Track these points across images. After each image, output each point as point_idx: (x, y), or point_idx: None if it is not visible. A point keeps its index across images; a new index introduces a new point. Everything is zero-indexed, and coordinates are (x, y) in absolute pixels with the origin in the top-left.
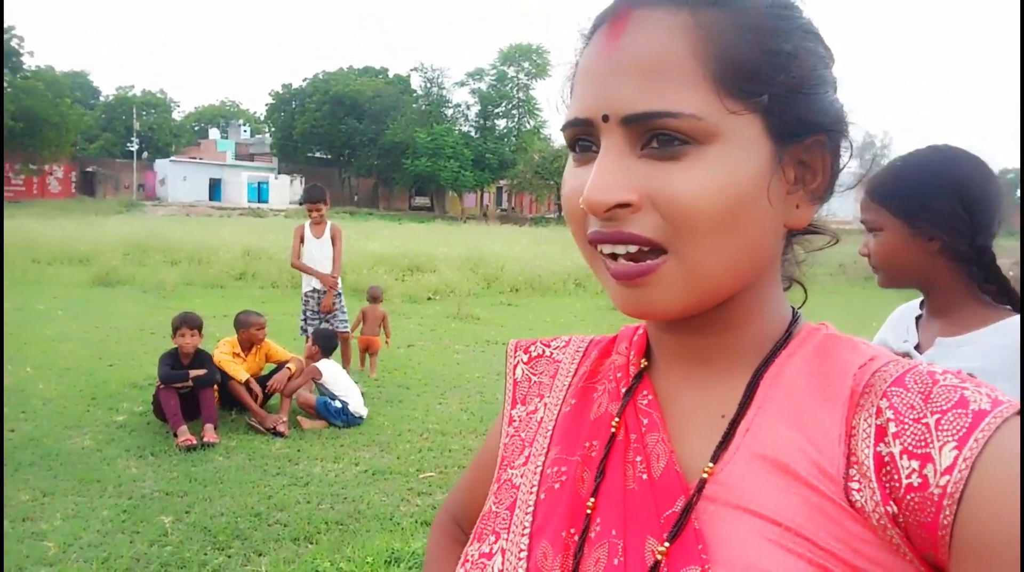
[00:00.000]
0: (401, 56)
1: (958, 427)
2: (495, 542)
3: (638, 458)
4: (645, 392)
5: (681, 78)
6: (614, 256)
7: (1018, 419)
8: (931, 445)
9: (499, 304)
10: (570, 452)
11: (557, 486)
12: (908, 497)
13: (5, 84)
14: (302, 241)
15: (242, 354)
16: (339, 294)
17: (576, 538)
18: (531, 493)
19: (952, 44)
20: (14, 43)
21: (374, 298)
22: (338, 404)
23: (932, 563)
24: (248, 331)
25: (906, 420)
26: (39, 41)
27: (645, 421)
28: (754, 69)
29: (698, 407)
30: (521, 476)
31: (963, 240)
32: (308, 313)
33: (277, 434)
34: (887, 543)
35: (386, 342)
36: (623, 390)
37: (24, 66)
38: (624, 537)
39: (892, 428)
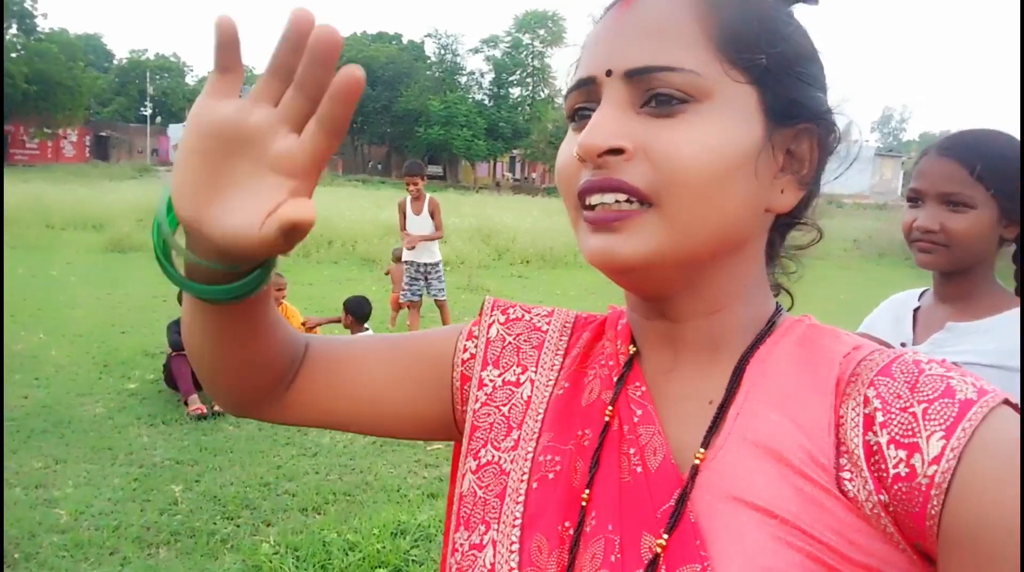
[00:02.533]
0: (415, 22)
1: (945, 416)
2: (485, 532)
3: (631, 450)
4: (637, 383)
5: (683, 38)
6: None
7: (1004, 408)
8: (918, 435)
9: (510, 276)
10: (563, 440)
11: (551, 476)
12: (896, 487)
13: (19, 46)
14: (403, 215)
15: None
16: (437, 263)
17: (572, 532)
18: (522, 481)
19: (979, 21)
20: (27, 5)
21: (398, 258)
22: None
23: (922, 552)
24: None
25: (893, 409)
26: (52, 3)
27: (639, 412)
28: (753, 39)
29: (684, 394)
30: (511, 461)
31: None
32: (409, 282)
33: None
34: (881, 532)
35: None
36: (615, 379)
37: (38, 28)
38: (620, 532)
39: (879, 417)
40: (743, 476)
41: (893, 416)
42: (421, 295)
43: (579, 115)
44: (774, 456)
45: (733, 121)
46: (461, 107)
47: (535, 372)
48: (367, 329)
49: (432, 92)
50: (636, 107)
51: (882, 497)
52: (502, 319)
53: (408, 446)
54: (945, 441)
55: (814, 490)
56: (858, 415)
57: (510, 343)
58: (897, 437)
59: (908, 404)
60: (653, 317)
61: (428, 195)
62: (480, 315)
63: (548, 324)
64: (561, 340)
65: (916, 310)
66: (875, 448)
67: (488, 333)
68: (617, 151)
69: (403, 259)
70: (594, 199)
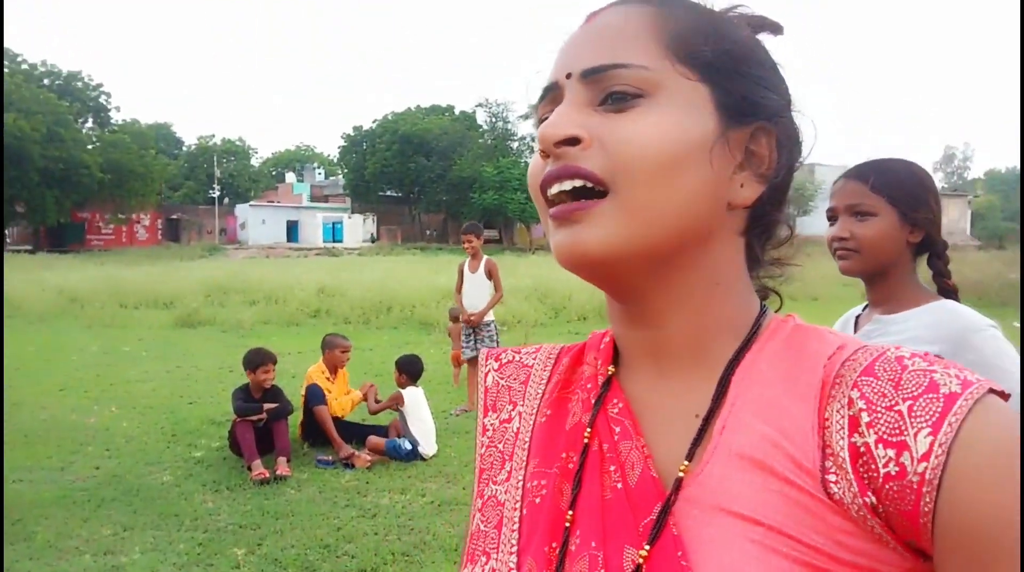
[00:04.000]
0: (467, 93)
1: (931, 412)
2: (486, 563)
3: (612, 467)
4: (615, 400)
5: (634, 40)
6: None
7: (990, 397)
8: (906, 432)
9: (566, 333)
10: (548, 464)
11: (538, 500)
12: (887, 486)
13: (94, 138)
14: (461, 276)
15: (331, 378)
16: (490, 323)
17: (557, 552)
18: (515, 509)
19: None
20: (102, 99)
21: (455, 318)
22: (407, 446)
23: (916, 549)
24: (333, 353)
25: (878, 409)
26: (125, 96)
27: (617, 429)
28: (701, 39)
29: (671, 408)
30: (505, 492)
31: (938, 235)
32: (465, 338)
33: (349, 466)
34: (868, 533)
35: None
36: (593, 400)
37: (111, 121)
38: (603, 548)
39: (865, 417)
40: (729, 488)
41: (879, 415)
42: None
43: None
44: (759, 465)
45: (684, 112)
46: (514, 171)
47: (522, 405)
48: (416, 388)
49: (485, 159)
50: (594, 105)
51: (868, 499)
52: (496, 366)
53: (466, 505)
54: (933, 437)
55: (799, 495)
56: (843, 417)
57: (503, 386)
58: (885, 436)
59: (893, 402)
60: (634, 325)
61: (485, 257)
62: (479, 370)
63: (534, 359)
64: (544, 371)
65: (858, 317)
66: (862, 449)
67: (486, 382)
68: (574, 141)
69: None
70: (554, 189)
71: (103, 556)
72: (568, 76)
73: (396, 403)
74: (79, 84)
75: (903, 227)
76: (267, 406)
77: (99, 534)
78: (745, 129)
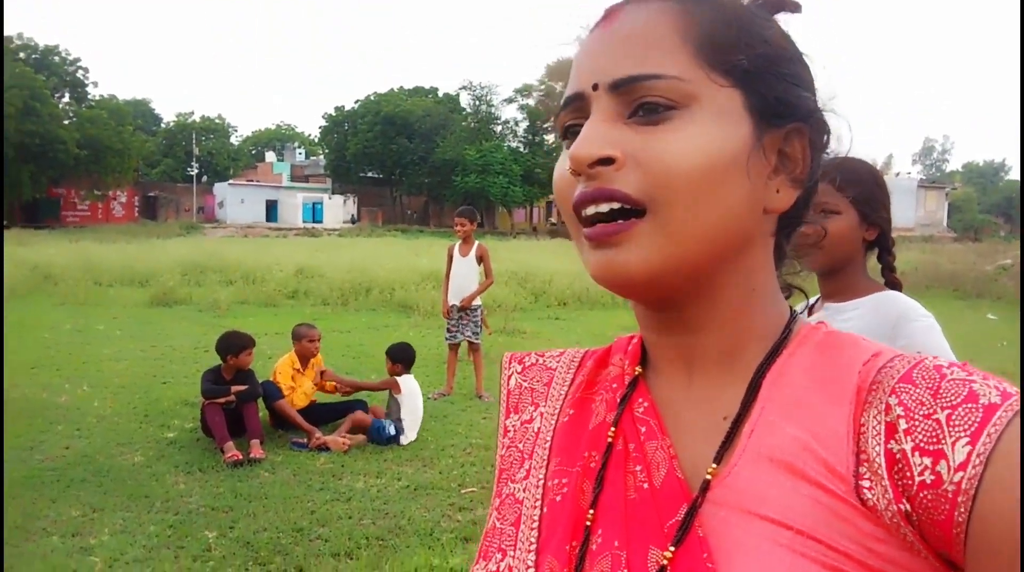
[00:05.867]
0: (450, 75)
1: (970, 422)
2: (501, 560)
3: (638, 467)
4: (641, 400)
5: (664, 47)
6: (593, 224)
7: None
8: (943, 441)
9: (546, 318)
10: (570, 463)
11: (559, 499)
12: (921, 494)
13: (71, 114)
14: (450, 259)
15: (301, 370)
16: (476, 308)
17: (578, 551)
18: (535, 508)
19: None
20: (79, 74)
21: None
22: (392, 431)
23: (947, 560)
24: (302, 344)
25: (916, 416)
26: (103, 72)
27: (643, 429)
28: (732, 42)
29: (698, 411)
30: (524, 490)
31: (889, 232)
32: (450, 325)
33: (323, 448)
34: (901, 541)
35: (487, 331)
36: (619, 400)
37: (89, 96)
38: (627, 548)
39: (903, 425)
40: (757, 491)
41: (917, 423)
42: (460, 338)
43: (570, 132)
44: (789, 469)
45: (720, 124)
46: (497, 155)
47: (544, 405)
48: (410, 375)
49: (468, 142)
50: (624, 118)
51: (903, 506)
52: (519, 369)
53: (442, 490)
54: (971, 447)
55: (831, 500)
56: (879, 423)
57: (526, 388)
58: (922, 444)
59: (931, 410)
60: (668, 332)
61: (477, 242)
62: (501, 372)
63: (557, 362)
64: (568, 373)
65: (811, 307)
66: (898, 456)
67: (509, 385)
68: (608, 160)
69: (450, 304)
70: (589, 210)
71: (71, 538)
72: (595, 87)
73: (390, 388)
74: (56, 59)
75: (862, 226)
76: (235, 389)
77: (67, 515)
78: (779, 132)
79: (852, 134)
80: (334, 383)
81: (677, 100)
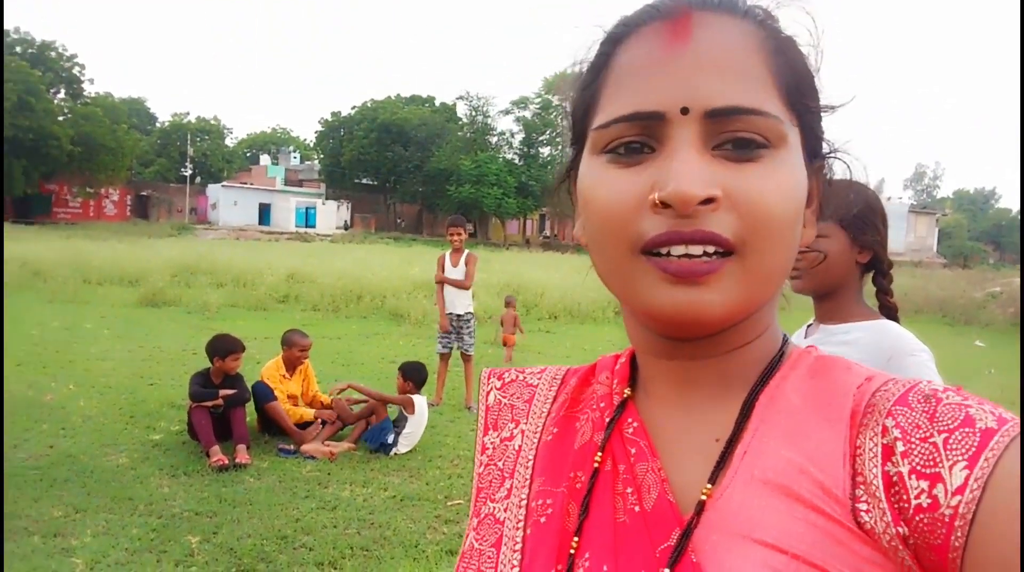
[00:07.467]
0: (448, 85)
1: (967, 446)
2: None
3: (628, 489)
4: (630, 420)
5: (759, 80)
6: (670, 258)
7: None
8: (940, 465)
9: (537, 331)
10: (555, 484)
11: (543, 520)
12: (918, 518)
13: (66, 110)
14: (441, 269)
15: (287, 375)
16: (470, 316)
17: None
18: (517, 529)
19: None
20: (75, 71)
21: (508, 304)
22: (390, 440)
23: None
24: (292, 351)
25: (913, 439)
26: (99, 69)
27: (633, 450)
28: (808, 84)
29: (690, 432)
30: (505, 510)
31: (884, 255)
32: (441, 333)
33: (311, 456)
34: (898, 565)
35: (520, 332)
36: (607, 420)
37: (84, 93)
38: None
39: (900, 447)
40: (751, 514)
41: (914, 446)
42: (451, 348)
43: (627, 148)
44: (783, 491)
45: (798, 166)
46: (492, 166)
47: (525, 423)
48: (422, 396)
49: (463, 152)
50: (709, 148)
51: (900, 529)
52: (499, 385)
53: (428, 501)
54: (968, 471)
55: (826, 523)
56: (876, 445)
57: (505, 404)
58: (918, 467)
59: (928, 433)
60: (671, 357)
61: (467, 251)
62: (480, 388)
63: (539, 379)
64: (550, 391)
65: (808, 327)
66: (895, 478)
67: (488, 401)
68: (710, 200)
69: (446, 313)
70: (678, 250)
71: (52, 538)
72: (684, 111)
73: (405, 407)
74: (52, 54)
75: (852, 249)
76: (223, 392)
77: (49, 515)
78: (812, 169)
79: (854, 165)
80: (335, 397)
81: (771, 140)
